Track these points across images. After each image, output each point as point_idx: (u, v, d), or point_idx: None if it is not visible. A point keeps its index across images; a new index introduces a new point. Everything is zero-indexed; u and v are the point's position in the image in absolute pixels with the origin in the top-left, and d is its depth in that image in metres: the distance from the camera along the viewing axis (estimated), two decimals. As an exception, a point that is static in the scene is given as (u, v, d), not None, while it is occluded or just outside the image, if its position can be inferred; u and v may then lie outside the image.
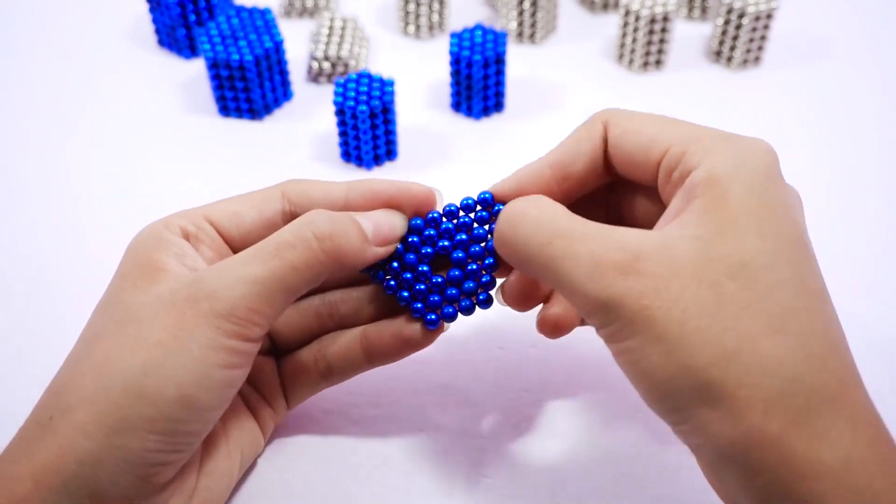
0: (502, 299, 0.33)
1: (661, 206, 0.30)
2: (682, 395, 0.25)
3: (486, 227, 0.33)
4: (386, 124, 0.49)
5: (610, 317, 0.26)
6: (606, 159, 0.31)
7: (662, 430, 0.31)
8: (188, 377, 0.28)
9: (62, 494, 0.27)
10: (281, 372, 0.35)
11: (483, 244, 0.33)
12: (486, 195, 0.33)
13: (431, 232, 0.33)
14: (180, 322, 0.28)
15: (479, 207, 0.33)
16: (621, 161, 0.31)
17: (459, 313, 0.33)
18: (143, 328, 0.28)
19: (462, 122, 0.53)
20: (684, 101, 0.55)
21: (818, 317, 0.25)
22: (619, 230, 0.27)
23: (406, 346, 0.34)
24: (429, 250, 0.33)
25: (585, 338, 0.38)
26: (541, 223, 0.28)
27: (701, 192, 0.27)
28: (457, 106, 0.54)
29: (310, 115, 0.54)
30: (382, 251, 0.32)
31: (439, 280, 0.33)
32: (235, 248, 0.34)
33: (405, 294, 0.33)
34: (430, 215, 0.33)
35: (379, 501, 0.34)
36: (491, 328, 0.41)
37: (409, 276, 0.33)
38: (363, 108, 0.47)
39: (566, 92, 0.55)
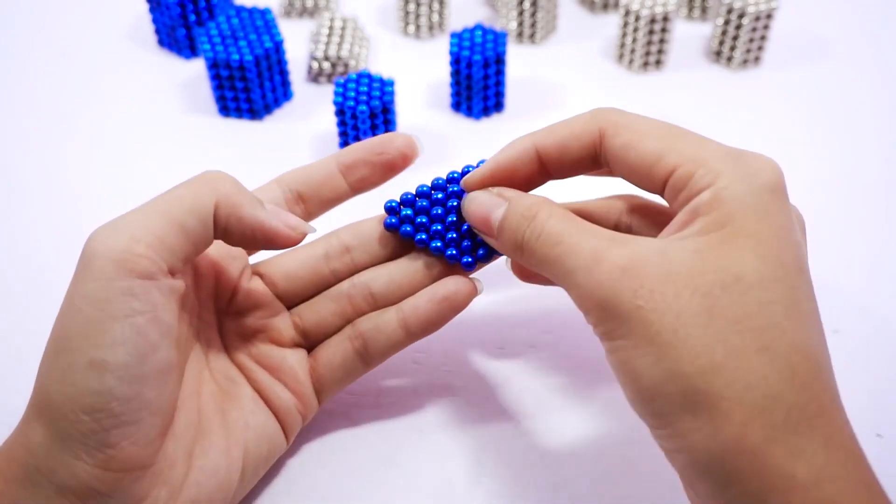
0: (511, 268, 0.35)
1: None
2: (667, 401, 0.26)
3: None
4: (386, 124, 0.49)
5: (606, 314, 0.26)
6: (599, 155, 0.31)
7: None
8: (88, 340, 0.26)
9: (27, 487, 0.27)
10: (314, 362, 0.35)
11: None
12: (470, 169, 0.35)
13: (440, 195, 0.35)
14: (73, 286, 0.28)
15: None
16: (622, 170, 0.31)
17: (493, 255, 0.34)
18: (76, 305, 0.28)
19: (462, 122, 0.53)
20: (684, 101, 0.55)
21: (806, 338, 0.26)
22: (622, 235, 0.28)
23: (445, 308, 0.33)
24: (454, 203, 0.34)
25: (586, 338, 0.38)
26: (550, 225, 0.29)
27: (705, 211, 0.27)
28: (457, 106, 0.54)
29: (310, 115, 0.54)
30: (270, 219, 0.31)
31: (464, 228, 0.34)
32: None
33: (439, 244, 0.34)
34: (436, 181, 0.35)
35: (379, 501, 0.34)
36: (491, 328, 0.41)
37: (439, 227, 0.34)
38: (363, 108, 0.47)
39: (566, 92, 0.55)
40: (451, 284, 0.34)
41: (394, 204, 0.35)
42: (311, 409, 0.35)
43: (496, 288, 0.43)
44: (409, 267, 0.35)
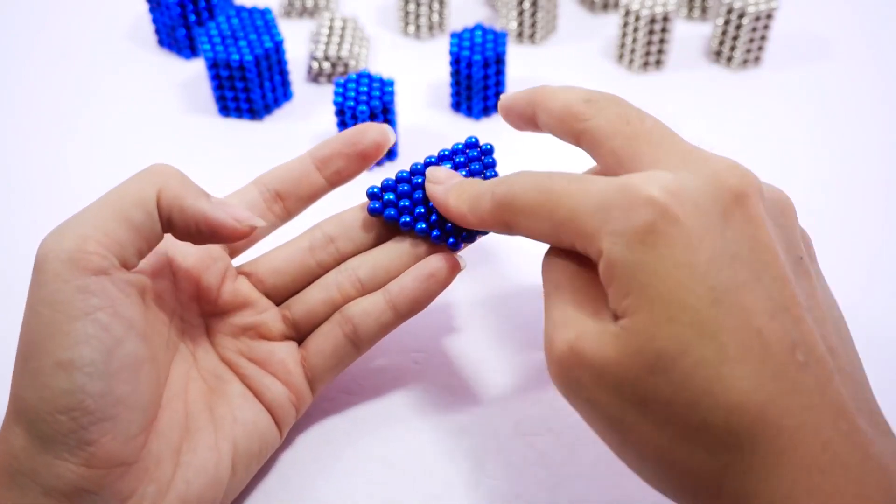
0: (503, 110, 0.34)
1: None
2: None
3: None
4: (386, 124, 0.48)
5: (564, 391, 0.28)
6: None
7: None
8: (53, 341, 0.27)
9: (13, 490, 0.27)
10: (305, 352, 0.35)
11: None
12: (473, 139, 0.37)
13: (419, 179, 0.36)
14: (31, 292, 0.28)
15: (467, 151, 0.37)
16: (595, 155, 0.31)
17: (476, 235, 0.35)
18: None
19: (462, 123, 0.53)
20: (684, 101, 0.55)
21: (739, 386, 0.24)
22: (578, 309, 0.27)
23: (432, 285, 0.34)
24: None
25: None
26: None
27: (608, 282, 0.26)
28: (457, 106, 0.54)
29: (310, 115, 0.54)
30: (212, 209, 0.30)
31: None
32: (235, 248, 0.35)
33: (424, 226, 0.35)
34: (414, 166, 0.36)
35: (378, 501, 0.34)
36: (491, 328, 0.41)
37: (422, 209, 0.35)
38: (363, 108, 0.47)
39: (566, 92, 0.55)
40: (435, 262, 0.34)
41: (376, 189, 0.36)
42: (305, 401, 0.35)
43: (497, 289, 0.43)
44: (393, 250, 0.35)
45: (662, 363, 0.24)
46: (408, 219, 0.35)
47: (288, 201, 0.36)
